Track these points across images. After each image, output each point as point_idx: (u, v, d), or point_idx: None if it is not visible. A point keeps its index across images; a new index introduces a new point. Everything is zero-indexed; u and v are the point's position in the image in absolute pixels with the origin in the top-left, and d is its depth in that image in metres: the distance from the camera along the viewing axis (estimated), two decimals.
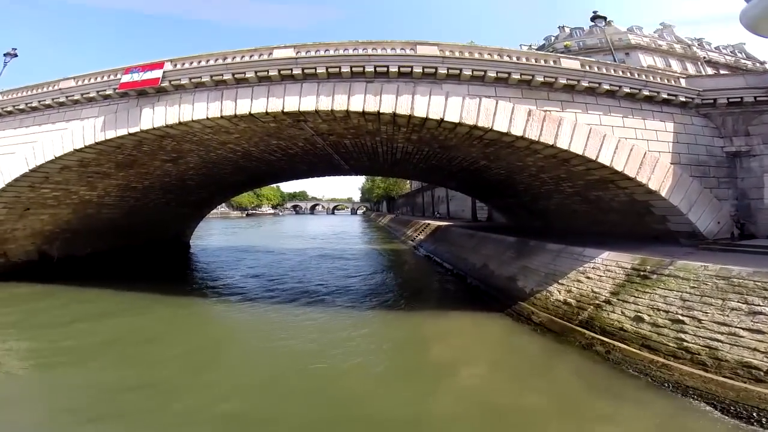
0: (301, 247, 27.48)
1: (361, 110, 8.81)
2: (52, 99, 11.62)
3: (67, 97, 11.41)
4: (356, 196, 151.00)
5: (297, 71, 9.15)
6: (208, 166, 15.80)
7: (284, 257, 22.18)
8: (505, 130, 9.05)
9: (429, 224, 27.98)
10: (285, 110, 9.15)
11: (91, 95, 11.06)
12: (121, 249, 19.85)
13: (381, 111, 8.76)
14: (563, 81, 9.48)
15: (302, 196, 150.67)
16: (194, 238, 35.64)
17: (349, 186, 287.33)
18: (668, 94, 10.41)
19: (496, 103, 9.22)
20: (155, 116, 10.23)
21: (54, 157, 11.44)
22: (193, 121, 9.84)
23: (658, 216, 10.76)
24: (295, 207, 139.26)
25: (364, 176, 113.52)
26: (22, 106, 12.13)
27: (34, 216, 14.76)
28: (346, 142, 12.34)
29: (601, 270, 9.18)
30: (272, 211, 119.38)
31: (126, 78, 10.45)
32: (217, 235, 41.21)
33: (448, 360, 7.64)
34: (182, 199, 20.56)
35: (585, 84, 9.60)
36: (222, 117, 9.63)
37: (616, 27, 30.88)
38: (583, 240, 11.70)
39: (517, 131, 9.09)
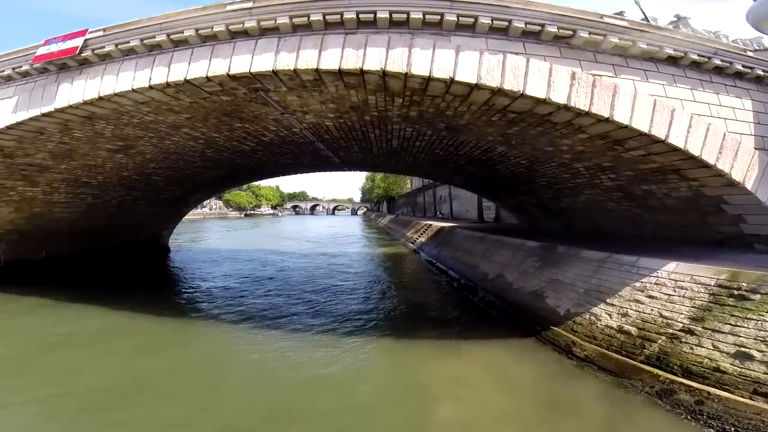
0: (295, 250, 25.04)
1: (337, 68, 6.36)
2: None
3: None
4: (357, 197, 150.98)
5: (251, 23, 6.72)
6: (171, 158, 13.39)
7: (273, 263, 19.72)
8: (542, 96, 6.60)
9: (431, 225, 25.55)
10: (231, 72, 6.71)
11: (6, 73, 8.70)
12: (84, 253, 17.49)
13: (365, 68, 6.32)
14: (614, 40, 7.03)
15: (302, 196, 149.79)
16: (186, 238, 33.60)
17: (350, 186, 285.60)
18: (743, 66, 7.96)
19: (527, 61, 6.77)
20: (72, 92, 7.84)
21: None
22: (116, 95, 7.44)
23: (730, 216, 8.29)
24: (294, 207, 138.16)
25: (364, 176, 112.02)
26: None
27: None
28: (328, 125, 9.89)
29: (669, 287, 6.73)
30: (271, 211, 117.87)
31: (43, 50, 8.09)
32: (209, 235, 38.99)
33: (466, 419, 5.23)
34: (151, 197, 18.18)
35: (642, 45, 7.16)
36: (151, 87, 7.21)
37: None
38: (627, 246, 9.25)
39: (558, 98, 6.64)
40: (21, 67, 8.35)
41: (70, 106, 7.83)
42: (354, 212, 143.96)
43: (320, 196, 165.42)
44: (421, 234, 25.58)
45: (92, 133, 9.74)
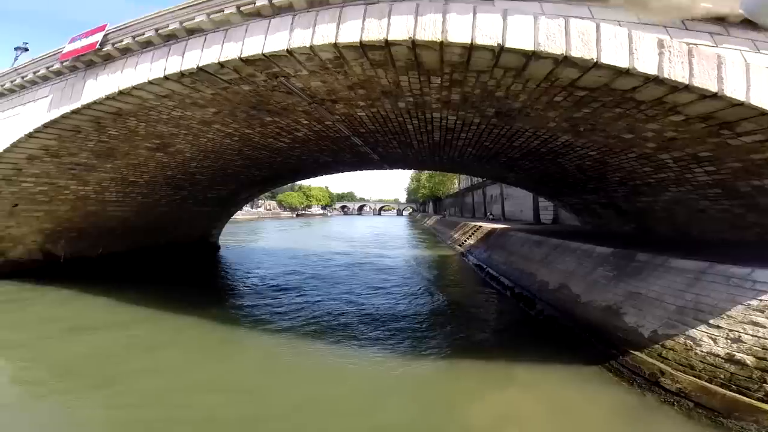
0: (338, 251, 24.54)
1: (358, 41, 5.35)
2: (11, 82, 9.61)
3: (22, 77, 9.33)
4: (402, 197, 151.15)
5: (262, 2, 5.92)
6: (210, 156, 13.28)
7: (315, 263, 19.18)
8: (623, 65, 5.12)
9: (480, 227, 23.78)
10: (244, 55, 5.97)
11: (41, 72, 8.83)
12: (139, 250, 18.22)
13: (390, 38, 5.23)
14: (707, 4, 5.29)
15: (350, 197, 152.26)
16: (240, 237, 34.82)
17: (396, 187, 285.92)
18: None
19: (597, 26, 5.29)
20: (97, 87, 7.66)
21: (9, 145, 9.40)
22: (134, 88, 7.09)
23: None
24: (343, 208, 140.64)
25: (409, 177, 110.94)
26: None
27: (27, 213, 13.18)
28: (361, 115, 8.92)
29: None
30: (321, 211, 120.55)
31: (68, 47, 8.06)
32: (261, 235, 40.12)
33: None
34: (199, 196, 18.53)
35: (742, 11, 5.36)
36: (166, 77, 6.73)
37: None
38: (728, 253, 7.25)
39: (646, 68, 5.11)
40: (53, 65, 8.36)
41: (95, 102, 7.63)
42: (400, 213, 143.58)
43: (367, 197, 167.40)
44: (470, 236, 23.90)
45: (126, 130, 9.65)
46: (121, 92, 7.21)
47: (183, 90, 7.30)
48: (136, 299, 10.74)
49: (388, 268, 17.58)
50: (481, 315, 10.59)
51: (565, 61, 5.29)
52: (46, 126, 8.57)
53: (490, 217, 33.58)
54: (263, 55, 5.84)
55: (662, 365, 5.76)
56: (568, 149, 9.53)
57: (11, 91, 9.64)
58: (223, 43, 6.21)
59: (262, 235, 39.07)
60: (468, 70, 5.99)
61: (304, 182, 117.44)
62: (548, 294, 10.37)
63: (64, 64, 8.09)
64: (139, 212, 16.82)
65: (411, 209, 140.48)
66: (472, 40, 5.17)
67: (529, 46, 5.19)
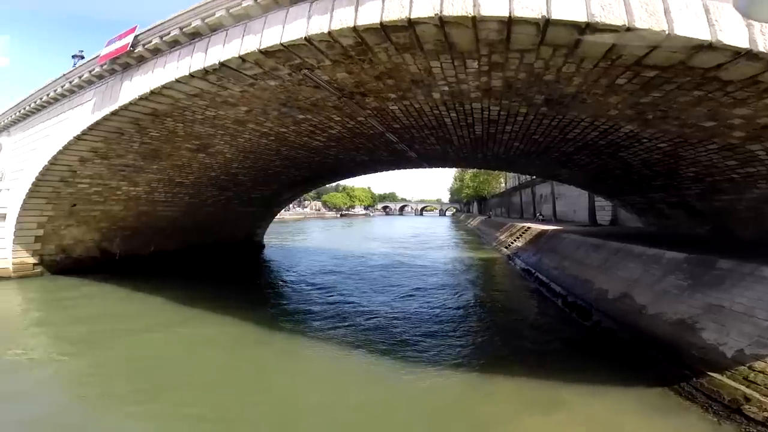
0: (379, 251, 24.18)
1: (378, 22, 4.81)
2: (61, 87, 10.23)
3: (70, 82, 9.86)
4: (445, 197, 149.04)
5: None
6: (249, 157, 13.43)
7: (355, 264, 18.93)
8: (703, 38, 4.17)
9: (529, 228, 22.26)
10: (263, 47, 5.70)
11: (85, 76, 9.26)
12: (187, 249, 19.06)
13: (413, 17, 4.64)
14: None
15: (392, 197, 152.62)
16: (285, 237, 35.80)
17: (438, 186, 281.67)
18: None
19: None
20: (131, 89, 7.89)
21: (62, 147, 9.99)
22: (164, 87, 7.13)
23: None
24: (384, 208, 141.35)
25: (452, 176, 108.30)
26: (38, 102, 11.24)
27: (85, 212, 14.16)
28: (393, 108, 8.37)
29: None
30: (364, 211, 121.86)
31: (104, 51, 8.31)
32: (306, 235, 41.08)
33: None
34: (243, 197, 19.04)
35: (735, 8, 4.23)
36: (192, 75, 6.68)
37: None
38: None
39: (733, 40, 4.12)
40: (94, 69, 8.68)
41: (131, 103, 7.78)
42: (442, 213, 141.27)
43: (409, 197, 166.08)
44: (517, 238, 22.47)
45: (166, 131, 9.87)
46: (152, 92, 7.29)
47: (211, 88, 7.21)
48: (184, 298, 11.06)
49: (427, 271, 16.87)
50: (527, 325, 9.61)
51: (628, 30, 4.37)
52: (90, 128, 8.96)
53: (540, 217, 31.51)
54: (282, 45, 5.50)
55: (748, 390, 4.86)
56: (633, 141, 8.31)
57: (62, 96, 10.25)
58: (243, 36, 5.99)
59: (305, 235, 39.87)
60: (509, 50, 5.21)
61: (348, 183, 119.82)
62: (606, 304, 9.19)
63: (103, 67, 8.38)
64: (187, 212, 17.54)
65: (454, 209, 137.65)
66: (510, 12, 4.42)
67: (580, 17, 4.34)
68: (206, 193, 16.75)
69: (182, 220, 17.89)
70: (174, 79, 6.84)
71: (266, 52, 5.76)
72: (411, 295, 12.26)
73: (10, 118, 13.10)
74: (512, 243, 22.26)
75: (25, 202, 12.46)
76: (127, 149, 10.90)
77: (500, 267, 18.42)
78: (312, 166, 15.99)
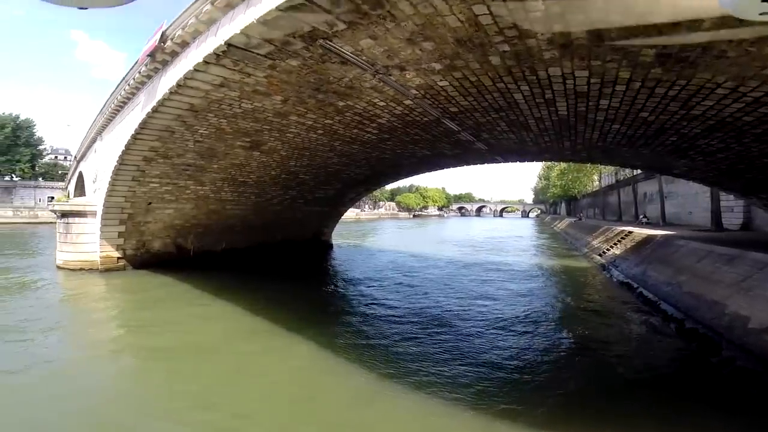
0: (451, 256, 22.28)
1: None
2: (124, 90, 10.59)
3: (129, 85, 10.09)
4: (528, 198, 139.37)
5: None
6: (305, 154, 12.90)
7: (425, 269, 17.43)
8: None
9: (630, 233, 18.56)
10: (260, 16, 4.78)
11: (137, 78, 9.34)
12: (257, 247, 19.53)
13: None
14: None
15: (468, 197, 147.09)
16: (357, 235, 35.97)
17: (520, 186, 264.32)
18: None
19: None
20: (165, 84, 7.60)
21: (125, 147, 10.38)
22: (186, 78, 6.63)
23: None
24: (460, 209, 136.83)
25: (536, 175, 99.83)
26: (113, 107, 11.95)
27: (160, 210, 14.99)
28: (443, 85, 6.87)
29: None
30: (437, 212, 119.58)
31: (144, 48, 8.13)
32: (377, 235, 40.97)
33: None
34: (307, 196, 18.90)
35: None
36: (205, 62, 6.09)
37: None
38: None
39: None
40: (142, 70, 8.63)
41: (165, 99, 7.48)
42: (525, 214, 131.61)
43: (487, 198, 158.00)
44: (614, 244, 18.88)
45: (213, 128, 9.63)
46: (179, 85, 6.90)
47: (232, 75, 6.52)
48: (248, 296, 10.93)
49: (504, 280, 14.70)
50: (626, 357, 7.28)
51: None
52: (142, 127, 9.03)
53: (644, 220, 26.52)
54: (278, 10, 4.42)
55: None
56: None
57: (127, 99, 10.65)
58: (246, 11, 5.08)
59: (377, 236, 39.54)
60: None
61: (421, 184, 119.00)
62: (746, 335, 6.59)
63: (147, 66, 8.27)
64: (255, 211, 17.87)
65: (539, 211, 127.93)
66: None
67: None
68: (271, 192, 16.82)
69: (251, 219, 18.30)
70: (192, 68, 6.31)
71: (266, 22, 4.77)
72: (483, 312, 10.45)
73: (100, 123, 14.39)
74: (608, 250, 18.73)
75: (106, 200, 13.49)
76: (184, 148, 11.02)
77: (592, 278, 15.40)
78: (370, 162, 15.00)
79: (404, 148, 12.85)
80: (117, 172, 12.05)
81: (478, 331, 8.53)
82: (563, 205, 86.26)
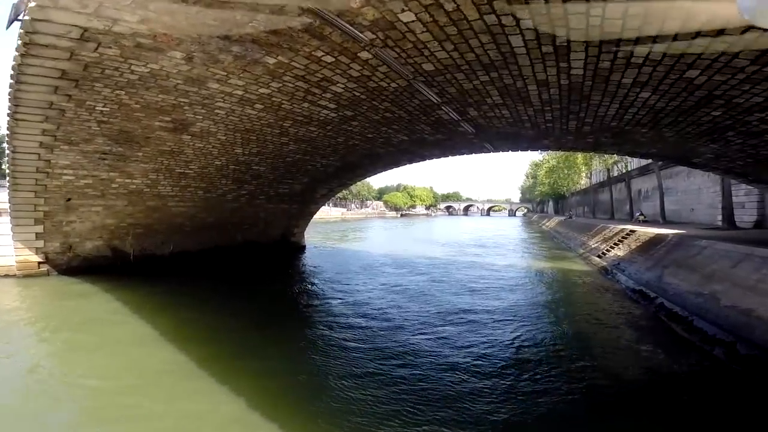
0: (438, 258, 20.10)
1: None
2: None
3: None
4: (515, 197, 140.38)
5: None
6: (251, 139, 10.53)
7: (409, 275, 15.06)
8: None
9: (633, 231, 16.67)
10: None
11: None
12: (212, 250, 16.99)
13: None
14: None
15: (455, 197, 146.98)
16: (338, 235, 33.44)
17: (507, 186, 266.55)
18: None
19: None
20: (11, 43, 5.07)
21: (8, 132, 7.97)
22: (30, 34, 4.43)
23: None
24: (447, 208, 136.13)
25: (523, 174, 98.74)
26: None
27: (85, 208, 12.44)
28: (410, 24, 4.66)
29: None
30: (425, 211, 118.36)
31: None
32: (361, 234, 38.79)
33: None
34: (269, 191, 16.47)
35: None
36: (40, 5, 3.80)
37: None
38: None
39: None
40: None
41: (20, 65, 5.18)
42: (512, 213, 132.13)
43: (474, 197, 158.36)
44: (615, 244, 16.97)
45: (112, 103, 7.48)
46: (26, 44, 4.58)
47: (90, 23, 4.57)
48: (182, 313, 9.06)
49: (494, 289, 12.54)
50: (658, 392, 5.14)
51: None
52: (15, 105, 6.69)
53: (641, 218, 24.84)
54: None
55: None
56: None
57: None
58: None
59: (360, 236, 37.21)
60: None
61: (409, 183, 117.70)
62: None
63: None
64: (205, 208, 15.39)
65: (525, 210, 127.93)
66: None
67: None
68: (221, 186, 14.36)
69: (202, 218, 15.80)
70: (29, 18, 3.96)
71: None
72: (467, 328, 8.27)
73: None
74: (608, 251, 16.80)
75: (12, 195, 10.94)
76: (89, 132, 8.65)
77: (595, 284, 13.38)
78: (338, 150, 12.67)
79: (376, 131, 10.58)
80: (14, 162, 9.61)
81: (458, 367, 6.29)
82: (551, 203, 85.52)
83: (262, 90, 7.41)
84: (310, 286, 13.70)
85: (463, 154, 14.28)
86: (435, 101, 8.01)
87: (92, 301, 10.16)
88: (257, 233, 18.89)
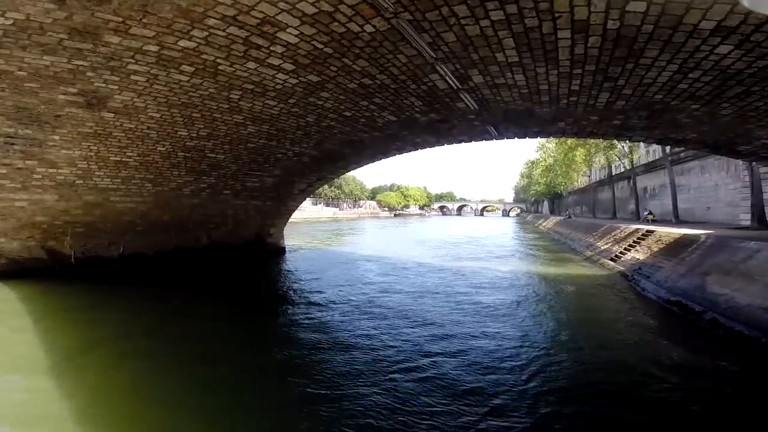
0: (431, 262, 18.05)
1: None
2: None
3: None
4: (508, 197, 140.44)
5: None
6: (193, 117, 8.36)
7: (399, 282, 12.98)
8: None
9: (651, 232, 14.81)
10: None
11: None
12: (172, 252, 14.72)
13: None
14: None
15: (449, 197, 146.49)
16: (323, 238, 31.17)
17: (501, 186, 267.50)
18: None
19: None
20: None
21: None
22: None
23: None
24: (441, 208, 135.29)
25: (518, 173, 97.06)
26: None
27: (4, 202, 10.23)
28: None
29: None
30: (419, 211, 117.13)
31: None
32: (351, 234, 36.73)
33: None
34: (235, 185, 14.28)
35: None
36: None
37: None
38: None
39: None
40: None
41: None
42: (506, 213, 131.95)
43: (468, 197, 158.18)
44: (631, 246, 15.07)
45: None
46: None
47: None
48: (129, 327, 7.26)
49: (496, 304, 10.47)
50: None
51: None
52: None
53: (649, 218, 23.06)
54: None
55: None
56: None
57: None
58: None
59: (350, 237, 35.09)
60: None
61: (402, 183, 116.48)
62: None
63: None
64: (158, 204, 13.16)
65: (519, 210, 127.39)
66: None
67: None
68: (173, 178, 12.15)
69: (157, 215, 13.56)
70: None
71: None
72: (461, 356, 6.22)
73: None
74: (623, 253, 14.89)
75: None
76: None
77: (615, 293, 11.42)
78: (311, 134, 10.54)
79: (354, 106, 8.48)
80: None
81: (446, 396, 4.23)
82: (545, 203, 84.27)
83: (183, 43, 5.32)
84: (282, 295, 11.58)
85: (461, 141, 12.21)
86: (427, 57, 5.93)
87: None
88: (226, 234, 16.64)
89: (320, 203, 78.50)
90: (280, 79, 6.90)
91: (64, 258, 12.32)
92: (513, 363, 6.09)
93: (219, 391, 4.94)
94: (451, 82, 7.01)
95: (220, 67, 6.26)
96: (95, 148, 9.33)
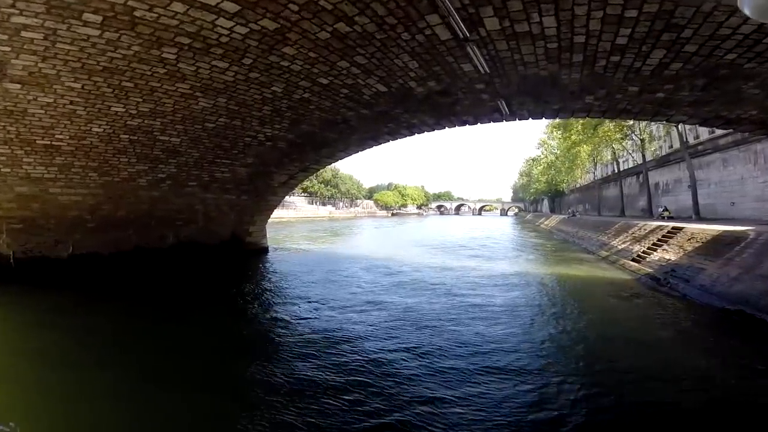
0: (428, 264, 16.10)
1: None
2: None
3: None
4: (506, 196, 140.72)
5: None
6: (124, 86, 6.53)
7: (390, 297, 11.02)
8: None
9: (680, 229, 13.09)
10: None
11: None
12: (132, 253, 12.84)
13: None
14: None
15: (447, 196, 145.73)
16: (315, 237, 29.27)
17: (499, 186, 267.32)
18: None
19: None
20: None
21: None
22: None
23: None
24: (439, 207, 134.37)
25: (518, 172, 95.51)
26: None
27: None
28: None
29: None
30: (416, 211, 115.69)
31: None
32: (345, 234, 35.04)
33: None
34: (201, 175, 12.48)
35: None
36: None
37: None
38: None
39: None
40: None
41: None
42: (504, 213, 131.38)
43: (466, 197, 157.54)
44: (656, 245, 13.30)
45: None
46: None
47: None
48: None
49: (505, 318, 8.63)
50: None
51: None
52: None
53: (665, 214, 21.39)
54: None
55: None
56: None
57: None
58: None
59: (344, 237, 33.27)
60: None
61: (400, 182, 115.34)
62: None
63: None
64: (111, 197, 11.34)
65: (517, 209, 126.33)
66: None
67: None
68: (124, 167, 10.32)
69: (109, 210, 11.72)
70: None
71: None
72: (484, 397, 4.42)
73: None
74: (649, 253, 13.12)
75: None
76: None
77: (649, 300, 9.60)
78: (281, 111, 8.71)
79: (331, 69, 6.66)
80: None
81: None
82: (545, 202, 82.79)
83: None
84: (258, 308, 9.74)
85: (467, 123, 10.39)
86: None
87: None
88: (197, 232, 14.77)
89: (316, 202, 76.74)
90: (223, 27, 5.11)
91: (2, 258, 10.52)
92: (564, 399, 4.28)
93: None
94: (456, 25, 5.21)
95: (135, 13, 4.47)
96: (13, 129, 7.52)
